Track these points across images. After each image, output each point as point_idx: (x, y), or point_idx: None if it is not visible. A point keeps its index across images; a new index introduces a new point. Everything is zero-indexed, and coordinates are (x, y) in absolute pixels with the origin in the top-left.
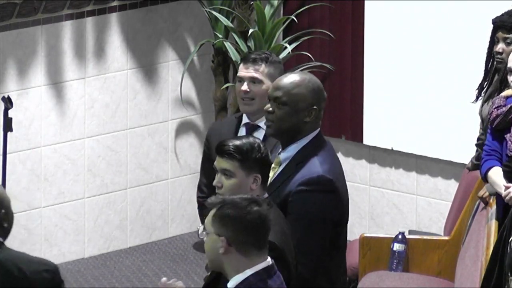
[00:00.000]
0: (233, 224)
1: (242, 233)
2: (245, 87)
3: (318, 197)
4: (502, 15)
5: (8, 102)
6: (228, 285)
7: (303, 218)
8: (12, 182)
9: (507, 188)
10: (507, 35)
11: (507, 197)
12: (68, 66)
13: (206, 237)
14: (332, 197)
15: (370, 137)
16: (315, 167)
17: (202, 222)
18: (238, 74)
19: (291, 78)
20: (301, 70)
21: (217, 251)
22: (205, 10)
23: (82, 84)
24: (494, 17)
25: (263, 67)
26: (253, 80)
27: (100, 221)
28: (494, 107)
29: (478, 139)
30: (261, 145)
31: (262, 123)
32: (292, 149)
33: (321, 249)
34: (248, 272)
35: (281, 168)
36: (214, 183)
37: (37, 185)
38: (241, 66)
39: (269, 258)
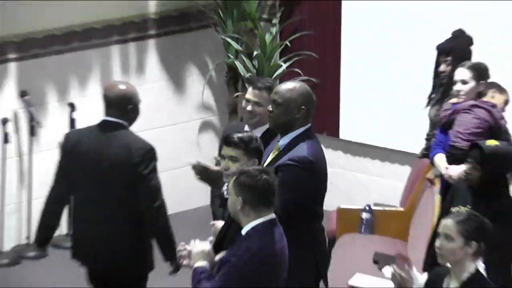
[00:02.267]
0: (247, 190)
1: (253, 195)
2: (249, 108)
3: (297, 170)
4: (443, 42)
5: (72, 107)
6: (242, 231)
7: (285, 182)
8: None
9: (446, 169)
10: (446, 58)
11: (446, 176)
12: (116, 79)
13: (229, 195)
14: (307, 173)
15: (345, 133)
16: (302, 150)
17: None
18: (246, 96)
19: (286, 86)
20: (295, 80)
21: (236, 207)
22: (220, 37)
23: None
24: (438, 44)
25: (265, 94)
26: (256, 104)
27: None
28: (443, 109)
29: (427, 135)
30: (257, 138)
31: (257, 130)
32: (287, 138)
33: (291, 202)
34: (259, 221)
35: (280, 151)
36: (222, 167)
37: None
38: (250, 89)
39: (273, 214)
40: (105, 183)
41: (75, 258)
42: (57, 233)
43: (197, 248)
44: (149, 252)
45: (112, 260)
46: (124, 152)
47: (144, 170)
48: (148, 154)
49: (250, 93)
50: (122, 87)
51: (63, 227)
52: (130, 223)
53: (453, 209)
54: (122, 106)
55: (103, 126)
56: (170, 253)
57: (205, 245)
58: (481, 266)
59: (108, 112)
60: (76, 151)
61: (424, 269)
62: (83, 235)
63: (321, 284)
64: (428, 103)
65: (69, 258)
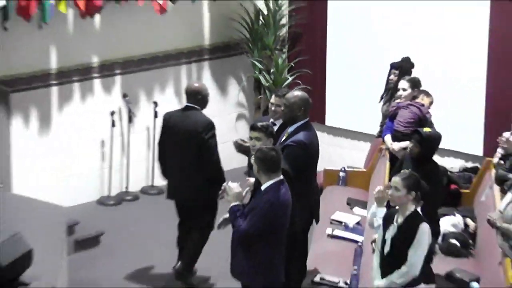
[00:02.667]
0: (259, 161)
1: (263, 165)
2: (273, 108)
3: (295, 148)
4: (395, 62)
5: (156, 104)
6: (262, 187)
7: (286, 156)
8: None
9: (391, 145)
10: (395, 71)
11: (391, 149)
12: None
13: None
14: (302, 151)
15: (329, 121)
16: (300, 136)
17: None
18: (271, 101)
19: (292, 93)
20: (298, 89)
21: (255, 171)
22: (250, 60)
23: None
24: (392, 62)
25: (282, 100)
26: (277, 105)
27: None
28: (391, 107)
29: (380, 123)
30: (272, 125)
31: (277, 122)
32: (292, 128)
33: (292, 168)
34: (271, 181)
35: (288, 136)
36: (250, 144)
37: None
38: (273, 96)
39: (281, 176)
40: (183, 145)
41: (169, 197)
42: (144, 183)
43: (233, 191)
44: (213, 187)
45: (191, 194)
46: (194, 124)
47: (205, 136)
48: (208, 126)
49: (273, 99)
50: (196, 85)
51: (149, 180)
52: (199, 170)
53: (402, 171)
54: (195, 96)
55: (184, 108)
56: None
57: (238, 188)
58: (419, 208)
59: (188, 100)
60: (168, 124)
61: None
62: (172, 180)
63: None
64: (381, 100)
65: (153, 201)
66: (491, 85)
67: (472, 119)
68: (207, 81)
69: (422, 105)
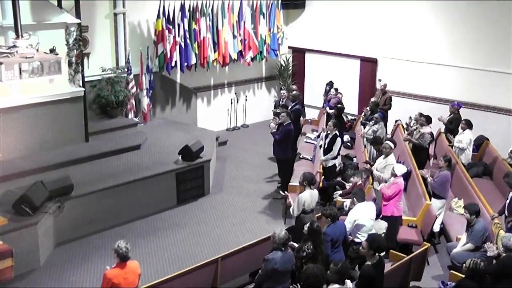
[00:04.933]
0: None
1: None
2: (284, 97)
3: (296, 111)
4: (328, 82)
5: (246, 97)
6: (283, 124)
7: (293, 114)
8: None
9: (328, 110)
10: (329, 84)
11: (325, 110)
12: (263, 94)
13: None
14: (298, 112)
15: (306, 101)
16: (297, 107)
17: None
18: (285, 93)
19: (293, 92)
20: (295, 90)
21: (283, 120)
22: (279, 81)
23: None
24: (327, 82)
25: (290, 93)
26: (287, 95)
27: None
28: (328, 97)
29: (323, 103)
30: (287, 105)
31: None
32: (293, 103)
33: (294, 118)
34: (286, 122)
35: (292, 107)
36: (280, 111)
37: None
38: (285, 92)
39: (290, 121)
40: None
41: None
42: (241, 123)
43: (272, 125)
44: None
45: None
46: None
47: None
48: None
49: (285, 93)
50: (292, 86)
51: (244, 121)
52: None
53: (331, 121)
54: (290, 91)
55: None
56: None
57: (274, 123)
58: (337, 132)
59: (287, 91)
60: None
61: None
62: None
63: None
64: (324, 94)
65: (246, 130)
66: (361, 94)
67: (353, 105)
68: (264, 90)
69: (339, 97)
